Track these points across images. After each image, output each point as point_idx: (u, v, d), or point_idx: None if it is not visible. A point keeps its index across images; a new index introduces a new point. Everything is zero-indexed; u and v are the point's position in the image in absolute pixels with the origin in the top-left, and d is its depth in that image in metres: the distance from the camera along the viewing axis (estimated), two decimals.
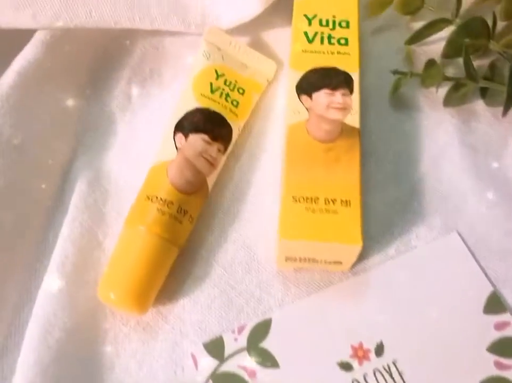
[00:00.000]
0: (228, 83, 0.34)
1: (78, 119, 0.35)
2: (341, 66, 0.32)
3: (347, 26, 0.33)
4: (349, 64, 0.32)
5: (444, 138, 0.35)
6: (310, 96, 0.31)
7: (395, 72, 0.35)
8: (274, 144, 0.35)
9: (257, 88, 0.35)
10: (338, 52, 0.32)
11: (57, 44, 0.34)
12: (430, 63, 0.35)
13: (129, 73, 0.37)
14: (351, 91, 0.31)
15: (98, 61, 0.37)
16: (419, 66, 0.38)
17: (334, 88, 0.31)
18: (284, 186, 0.28)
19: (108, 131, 0.35)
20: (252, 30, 0.39)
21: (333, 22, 0.34)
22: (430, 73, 0.35)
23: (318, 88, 0.31)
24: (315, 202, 0.27)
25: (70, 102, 0.35)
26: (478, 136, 0.35)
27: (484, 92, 0.36)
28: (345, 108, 0.30)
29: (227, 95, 0.33)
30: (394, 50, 0.39)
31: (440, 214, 0.32)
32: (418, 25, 0.39)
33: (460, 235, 0.32)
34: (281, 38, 0.39)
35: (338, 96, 0.31)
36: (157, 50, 0.38)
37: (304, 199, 0.27)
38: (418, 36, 0.36)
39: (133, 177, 0.33)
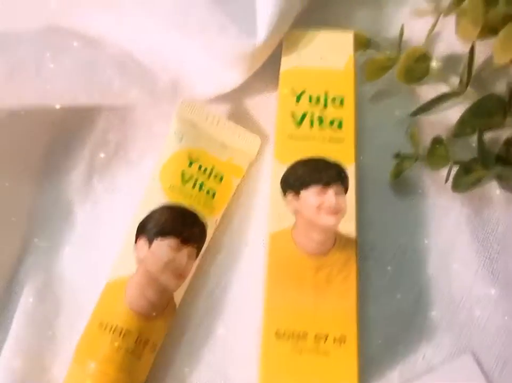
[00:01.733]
0: (203, 170, 0.29)
1: (29, 210, 0.30)
2: (334, 157, 0.27)
3: (341, 104, 0.29)
4: (344, 153, 0.27)
5: (454, 231, 0.30)
6: (297, 193, 0.26)
7: (398, 156, 0.30)
8: (258, 238, 0.30)
9: (238, 172, 0.31)
10: (331, 139, 0.27)
11: (3, 125, 0.29)
12: (437, 142, 0.30)
13: (91, 151, 0.32)
14: (346, 189, 0.26)
15: (54, 139, 0.32)
16: (424, 138, 0.33)
17: (325, 184, 0.26)
18: (265, 317, 0.23)
19: (64, 223, 0.30)
20: (231, 96, 0.34)
21: (325, 99, 0.29)
22: (437, 153, 0.30)
23: (306, 185, 0.26)
24: (303, 339, 0.23)
25: (19, 188, 0.30)
26: (491, 228, 0.30)
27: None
28: (338, 211, 0.25)
29: (201, 185, 0.28)
30: (394, 121, 0.34)
31: (451, 328, 0.28)
32: (422, 89, 0.35)
33: (475, 357, 0.27)
34: (265, 104, 0.34)
35: (330, 196, 0.26)
36: (124, 121, 0.33)
37: (289, 335, 0.23)
38: (424, 109, 0.32)
39: (92, 282, 0.28)
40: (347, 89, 0.29)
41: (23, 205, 0.30)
